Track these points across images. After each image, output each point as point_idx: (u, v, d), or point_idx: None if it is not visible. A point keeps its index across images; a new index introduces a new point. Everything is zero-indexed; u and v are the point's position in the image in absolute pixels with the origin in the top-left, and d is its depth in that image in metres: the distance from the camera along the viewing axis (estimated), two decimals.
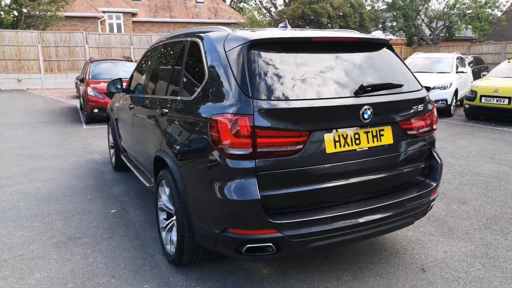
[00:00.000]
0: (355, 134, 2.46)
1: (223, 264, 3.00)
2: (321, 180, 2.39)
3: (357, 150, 2.46)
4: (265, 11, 25.37)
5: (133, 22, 27.64)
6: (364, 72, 2.63)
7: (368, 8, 23.08)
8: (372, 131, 2.51)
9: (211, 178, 2.35)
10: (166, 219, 3.18)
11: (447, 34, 24.14)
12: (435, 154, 2.90)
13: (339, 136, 2.40)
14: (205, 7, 30.51)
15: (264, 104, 2.23)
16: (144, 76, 4.05)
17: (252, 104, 2.21)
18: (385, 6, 24.78)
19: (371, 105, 2.44)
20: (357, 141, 2.46)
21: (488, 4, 22.31)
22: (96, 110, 9.51)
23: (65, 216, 3.99)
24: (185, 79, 2.96)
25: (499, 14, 24.76)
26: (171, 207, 3.05)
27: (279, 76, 2.37)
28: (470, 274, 2.84)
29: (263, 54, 2.42)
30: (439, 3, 25.49)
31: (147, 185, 3.66)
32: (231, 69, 2.39)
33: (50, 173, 5.46)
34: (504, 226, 3.68)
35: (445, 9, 23.60)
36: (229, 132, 2.23)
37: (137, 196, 4.56)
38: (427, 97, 2.80)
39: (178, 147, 2.70)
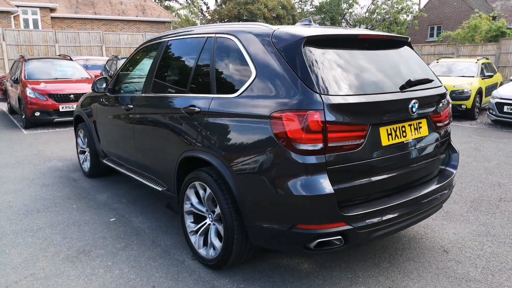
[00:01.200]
0: (402, 127, 2.60)
1: (260, 263, 2.97)
2: (379, 172, 2.49)
3: (404, 142, 2.61)
4: (196, 10, 25.05)
5: (52, 18, 25.53)
6: (399, 67, 2.79)
7: (299, 10, 23.93)
8: (414, 124, 2.68)
9: (276, 175, 2.33)
10: (195, 223, 3.07)
11: None
12: (452, 144, 3.16)
13: (391, 129, 2.52)
14: (131, 4, 29.21)
15: (332, 99, 2.27)
16: (145, 75, 3.80)
17: (322, 99, 2.24)
18: (313, 9, 25.89)
19: (417, 99, 2.60)
20: (404, 134, 2.61)
21: (404, 10, 24.40)
22: (37, 114, 8.69)
23: (61, 228, 3.63)
24: (218, 76, 2.87)
25: (412, 19, 27.15)
26: (203, 209, 2.96)
27: (335, 72, 2.43)
28: (486, 251, 3.15)
29: (318, 50, 2.46)
30: (361, 8, 27.23)
31: (159, 189, 3.47)
32: (290, 65, 2.39)
33: (13, 184, 4.89)
34: (487, 207, 4.11)
35: (367, 14, 25.35)
36: (299, 128, 2.23)
37: (130, 202, 4.29)
38: (447, 92, 3.04)
39: (226, 146, 2.61)
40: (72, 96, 8.90)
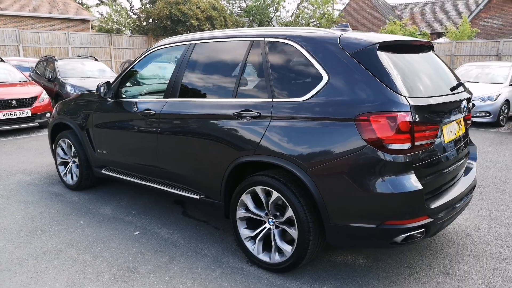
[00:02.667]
0: (454, 125, 2.87)
1: (317, 263, 3.05)
2: (445, 166, 2.73)
3: (455, 138, 2.88)
4: (116, 8, 23.79)
5: None
6: (439, 70, 3.05)
7: (228, 12, 24.07)
8: (460, 122, 2.97)
9: (366, 175, 2.43)
10: (250, 229, 3.04)
11: None
12: (471, 139, 3.55)
13: (449, 127, 2.78)
14: (44, 0, 26.81)
15: (414, 101, 2.44)
16: (163, 80, 3.63)
17: (408, 101, 2.40)
18: (240, 11, 26.24)
19: (466, 99, 2.90)
20: (455, 131, 2.88)
21: (326, 15, 25.90)
22: None
23: (84, 247, 3.32)
24: (277, 80, 2.87)
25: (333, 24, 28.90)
26: (262, 214, 2.95)
27: (405, 75, 2.60)
28: (500, 232, 3.59)
29: (387, 55, 2.62)
30: (287, 12, 28.32)
31: (197, 197, 3.35)
32: (368, 70, 2.51)
33: None
34: (475, 194, 4.64)
35: (292, 18, 26.41)
36: (389, 129, 2.36)
37: (141, 213, 4.05)
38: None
39: (301, 149, 2.63)
40: (14, 102, 7.98)
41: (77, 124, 4.48)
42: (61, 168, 4.92)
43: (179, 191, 3.50)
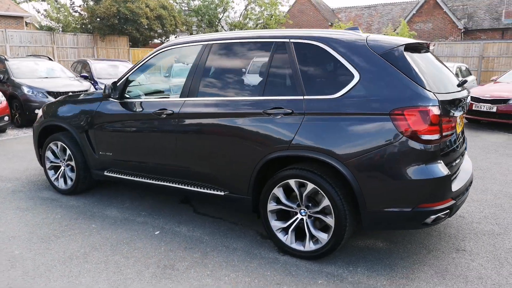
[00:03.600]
0: (459, 118, 3.24)
1: (344, 248, 3.28)
2: (457, 155, 3.09)
3: (458, 132, 3.26)
4: (58, 5, 22.47)
5: None
6: (442, 69, 3.39)
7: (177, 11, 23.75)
8: (460, 118, 3.35)
9: (402, 164, 2.70)
10: (281, 220, 3.20)
11: None
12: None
13: (457, 120, 3.14)
14: None
15: (440, 96, 2.75)
16: (174, 79, 3.66)
17: (436, 96, 2.71)
18: (187, 11, 25.98)
19: (467, 96, 3.29)
20: (460, 123, 3.26)
21: (273, 17, 26.42)
22: None
23: (110, 249, 3.27)
24: (308, 79, 3.04)
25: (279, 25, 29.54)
26: (293, 206, 3.12)
27: (426, 73, 2.90)
28: (486, 212, 4.07)
29: (410, 55, 2.91)
30: (235, 13, 28.43)
31: (221, 194, 3.44)
32: (398, 68, 2.78)
33: None
34: None
35: (241, 18, 26.65)
36: (422, 121, 2.65)
37: (152, 213, 4.03)
38: None
39: (338, 143, 2.83)
40: None
41: (73, 126, 4.32)
42: (50, 172, 4.71)
43: (201, 189, 3.56)
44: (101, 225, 3.77)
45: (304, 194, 3.04)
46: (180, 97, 3.64)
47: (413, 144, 2.68)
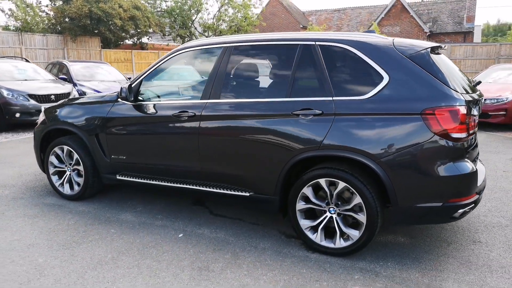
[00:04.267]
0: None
1: (369, 244, 3.38)
2: (476, 153, 3.27)
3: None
4: (24, 5, 21.55)
5: None
6: (457, 70, 3.54)
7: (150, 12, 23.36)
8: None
9: (434, 161, 2.84)
10: (309, 219, 3.27)
11: None
12: None
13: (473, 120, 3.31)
14: None
15: (465, 97, 2.91)
16: (193, 82, 3.67)
17: (463, 97, 2.86)
18: (161, 12, 25.64)
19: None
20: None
21: (247, 19, 26.50)
22: None
23: (137, 253, 3.24)
24: (336, 81, 3.13)
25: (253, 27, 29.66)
26: (322, 204, 3.20)
27: (448, 74, 3.05)
28: (488, 206, 4.30)
29: (434, 57, 3.06)
30: (208, 14, 28.22)
31: (246, 194, 3.47)
32: (426, 70, 2.92)
33: None
34: None
35: (214, 20, 26.57)
36: (452, 120, 2.80)
37: (168, 217, 4.00)
38: None
39: (371, 141, 2.93)
40: None
41: (82, 130, 4.22)
42: (54, 178, 4.56)
43: (224, 190, 3.57)
44: (120, 229, 3.70)
45: (335, 193, 3.12)
46: (201, 99, 3.64)
47: (443, 142, 2.82)
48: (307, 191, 3.21)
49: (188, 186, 3.76)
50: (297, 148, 3.17)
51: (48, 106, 4.80)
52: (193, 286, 2.78)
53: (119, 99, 4.05)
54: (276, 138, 3.26)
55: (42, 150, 4.64)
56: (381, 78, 3.00)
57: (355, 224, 3.13)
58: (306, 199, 3.24)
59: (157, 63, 3.98)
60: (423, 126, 2.83)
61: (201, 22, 26.98)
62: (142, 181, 4.01)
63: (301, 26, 32.97)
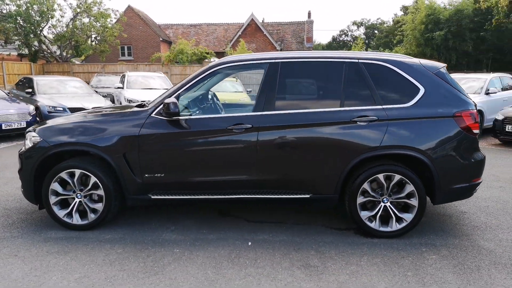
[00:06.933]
0: None
1: None
2: None
3: None
4: None
5: None
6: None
7: None
8: None
9: (465, 151, 3.76)
10: (368, 210, 3.83)
11: (76, 53, 24.94)
12: None
13: None
14: None
15: (474, 103, 3.94)
16: (257, 95, 3.91)
17: (475, 103, 3.88)
18: (2, 16, 22.13)
19: None
20: None
21: (107, 29, 24.93)
22: None
23: (233, 264, 3.26)
24: (381, 92, 3.79)
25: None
26: (377, 196, 3.82)
27: (459, 85, 4.04)
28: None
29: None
30: (60, 21, 25.19)
31: (307, 196, 3.81)
32: (448, 83, 3.85)
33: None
34: None
35: (68, 29, 24.23)
36: (472, 121, 3.77)
37: (212, 229, 4.01)
38: None
39: (419, 140, 3.67)
40: None
41: (107, 149, 3.84)
42: (56, 208, 3.97)
43: (284, 195, 3.83)
44: (183, 248, 3.58)
45: (391, 185, 3.76)
46: (254, 111, 3.83)
47: (468, 136, 3.77)
48: (367, 186, 3.77)
49: (240, 196, 3.87)
50: (359, 149, 3.71)
51: (41, 127, 4.12)
52: (317, 280, 3.03)
53: (152, 115, 3.87)
54: (338, 142, 3.74)
55: (37, 179, 3.98)
56: (418, 89, 3.79)
57: (406, 209, 3.82)
58: (365, 193, 3.79)
59: (194, 77, 3.96)
60: (455, 125, 3.73)
61: (54, 30, 24.33)
62: (183, 197, 3.91)
63: (161, 39, 32.75)
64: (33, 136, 4.04)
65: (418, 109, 3.75)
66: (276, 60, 3.95)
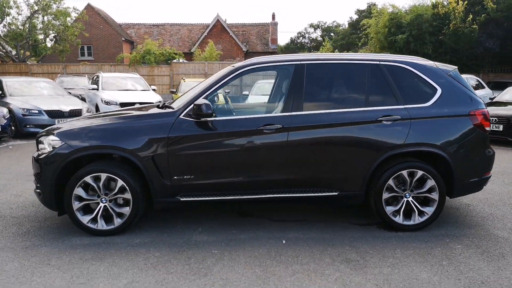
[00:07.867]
0: None
1: None
2: None
3: None
4: None
5: None
6: None
7: None
8: None
9: (479, 147, 4.05)
10: (392, 205, 4.02)
11: (34, 53, 23.73)
12: None
13: None
14: None
15: (484, 102, 4.24)
16: (285, 96, 3.98)
17: (484, 102, 4.18)
18: None
19: None
20: None
21: (68, 28, 23.96)
22: None
23: (278, 261, 3.32)
24: (402, 92, 3.99)
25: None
26: (400, 191, 4.02)
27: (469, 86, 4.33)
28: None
29: None
30: (16, 19, 23.72)
31: (335, 193, 3.94)
32: (461, 84, 4.12)
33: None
34: None
35: (24, 28, 23.06)
36: (484, 119, 4.06)
37: (239, 229, 4.04)
38: None
39: (439, 137, 3.89)
40: None
41: (135, 152, 3.76)
42: (79, 214, 3.84)
43: (313, 193, 3.94)
44: (220, 249, 3.59)
45: (413, 180, 3.97)
46: (283, 112, 3.91)
47: (481, 133, 4.05)
48: (391, 182, 3.95)
49: (271, 196, 3.93)
50: (386, 147, 3.89)
51: (61, 130, 3.95)
52: (363, 273, 3.16)
53: (181, 116, 3.84)
54: (365, 141, 3.90)
55: (56, 184, 3.82)
56: (436, 90, 4.03)
57: (426, 202, 4.04)
58: (390, 189, 3.97)
59: (222, 78, 3.98)
60: (470, 123, 4.00)
61: (8, 29, 23.05)
62: (212, 198, 3.91)
63: (124, 39, 31.88)
64: (52, 140, 3.88)
65: (437, 108, 3.98)
66: (302, 62, 4.05)
